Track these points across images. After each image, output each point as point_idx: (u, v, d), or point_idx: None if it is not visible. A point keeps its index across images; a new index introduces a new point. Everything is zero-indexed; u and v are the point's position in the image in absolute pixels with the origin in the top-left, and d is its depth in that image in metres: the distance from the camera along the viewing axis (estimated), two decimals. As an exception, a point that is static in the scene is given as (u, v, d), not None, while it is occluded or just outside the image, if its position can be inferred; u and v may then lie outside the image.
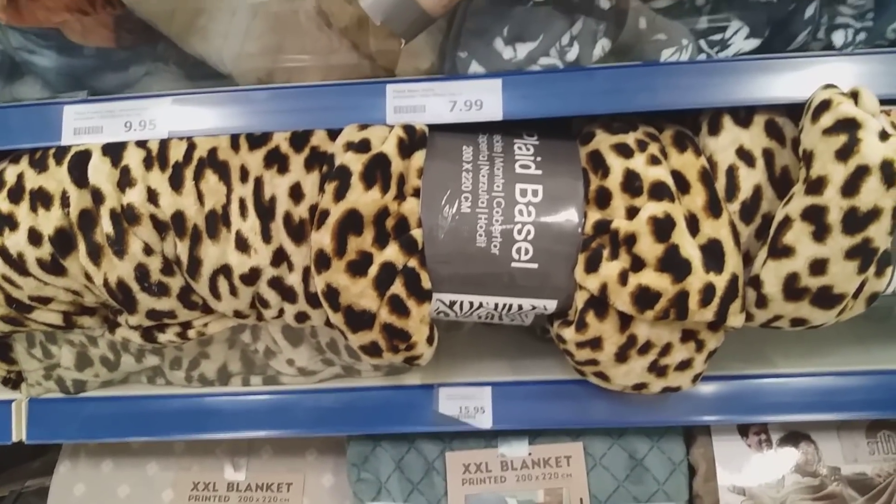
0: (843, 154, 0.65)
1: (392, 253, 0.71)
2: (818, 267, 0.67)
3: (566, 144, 0.78)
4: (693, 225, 0.71)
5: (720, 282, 0.69)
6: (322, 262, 0.70)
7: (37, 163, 0.78)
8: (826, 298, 0.69)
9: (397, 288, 0.71)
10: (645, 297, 0.69)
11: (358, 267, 0.70)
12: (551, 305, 0.75)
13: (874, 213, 0.65)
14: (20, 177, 0.78)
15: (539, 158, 0.75)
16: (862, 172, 0.64)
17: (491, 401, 0.85)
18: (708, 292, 0.69)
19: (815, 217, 0.66)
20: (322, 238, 0.70)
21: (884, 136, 0.65)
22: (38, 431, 0.88)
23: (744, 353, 0.90)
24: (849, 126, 0.66)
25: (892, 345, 0.91)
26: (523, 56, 0.78)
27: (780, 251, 0.68)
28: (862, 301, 0.72)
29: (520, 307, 0.75)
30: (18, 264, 0.76)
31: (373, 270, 0.70)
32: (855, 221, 0.65)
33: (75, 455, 0.98)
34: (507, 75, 0.77)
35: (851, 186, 0.65)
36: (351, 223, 0.70)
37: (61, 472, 0.98)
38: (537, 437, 0.90)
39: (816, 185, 0.66)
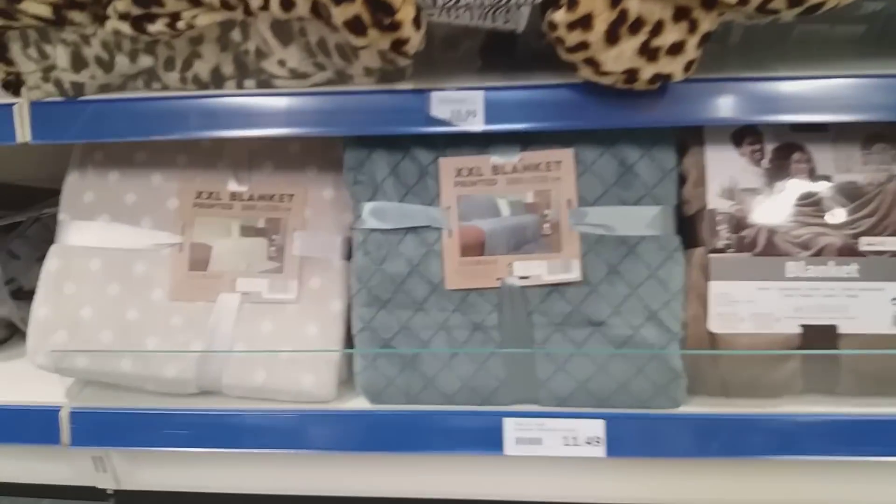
0: None
1: (375, -81, 0.68)
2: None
3: None
4: None
5: (718, -54, 0.66)
6: (302, -75, 0.68)
7: None
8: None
9: (381, -43, 0.69)
10: (637, -39, 0.66)
11: (339, -69, 0.68)
12: (543, -12, 0.72)
13: None
14: None
15: None
16: None
17: (483, 104, 0.85)
18: (704, -44, 0.66)
19: None
20: None
21: None
22: (41, 132, 0.90)
23: (743, 63, 0.88)
24: None
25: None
26: None
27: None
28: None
29: (510, -8, 0.73)
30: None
31: (354, -64, 0.68)
32: None
33: (83, 166, 1.02)
34: None
35: None
36: None
37: (70, 181, 1.01)
38: (529, 145, 0.91)
39: None
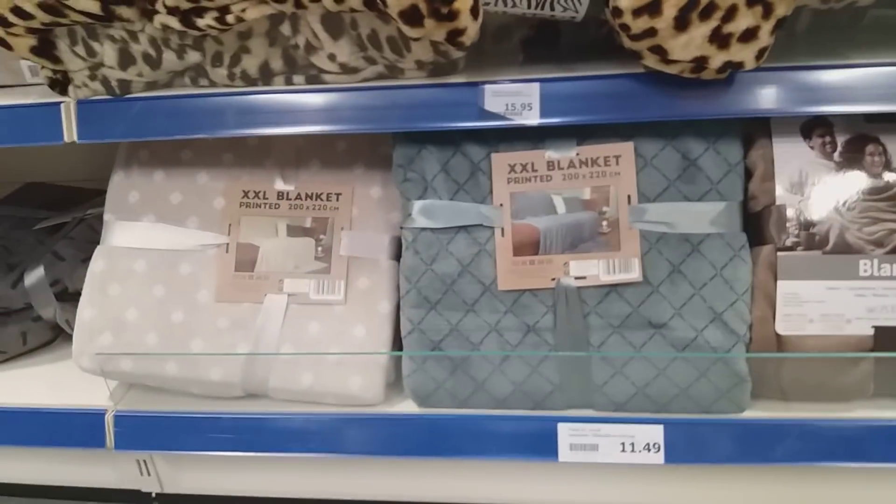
0: None
1: None
2: None
3: None
4: None
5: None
6: None
7: None
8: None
9: (439, -57, 0.66)
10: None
11: (396, -84, 0.65)
12: (606, -26, 0.69)
13: None
14: None
15: None
16: None
17: (539, 97, 0.82)
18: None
19: None
20: None
21: None
22: (88, 131, 0.89)
23: (812, 50, 0.84)
24: None
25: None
26: None
27: None
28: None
29: (571, -22, 0.70)
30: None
31: (412, -79, 0.65)
32: None
33: (128, 166, 1.00)
34: None
35: None
36: None
37: (115, 181, 1.00)
38: (586, 139, 0.87)
39: None
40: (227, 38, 0.85)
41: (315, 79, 0.87)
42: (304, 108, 0.86)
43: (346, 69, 0.85)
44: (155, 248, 0.97)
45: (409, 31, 0.73)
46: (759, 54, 0.72)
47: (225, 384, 0.93)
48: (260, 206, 0.97)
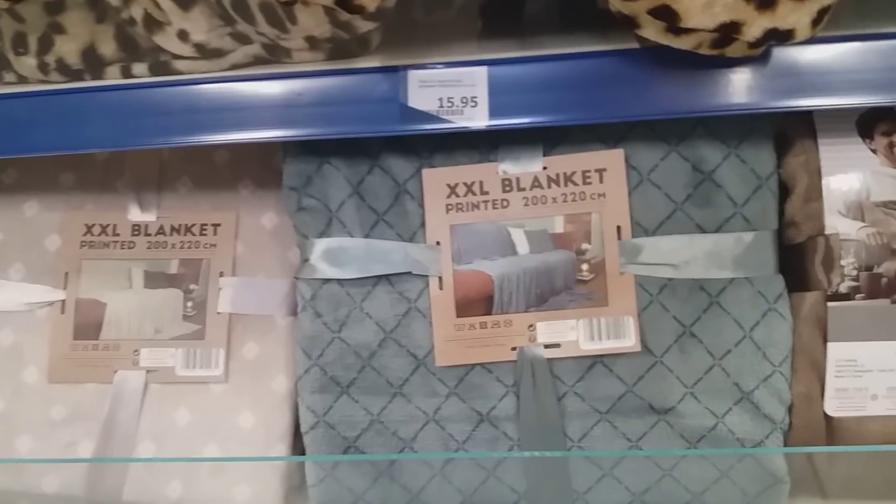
0: None
1: None
2: None
3: None
4: None
5: None
6: None
7: None
8: None
9: None
10: None
11: None
12: None
13: None
14: None
15: None
16: None
17: (487, 87, 0.56)
18: None
19: None
20: None
21: None
22: None
23: (862, 11, 0.60)
24: None
25: None
26: None
27: None
28: None
29: None
30: None
31: None
32: None
33: (-70, 193, 0.74)
34: None
35: None
36: None
37: (-87, 216, 0.73)
38: (556, 146, 0.62)
39: None
40: (28, 12, 0.59)
41: (164, 67, 0.60)
42: (148, 111, 0.59)
43: (206, 52, 0.59)
44: (-36, 311, 0.71)
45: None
46: (818, 17, 0.46)
47: (64, 498, 0.68)
48: (108, 246, 0.71)
